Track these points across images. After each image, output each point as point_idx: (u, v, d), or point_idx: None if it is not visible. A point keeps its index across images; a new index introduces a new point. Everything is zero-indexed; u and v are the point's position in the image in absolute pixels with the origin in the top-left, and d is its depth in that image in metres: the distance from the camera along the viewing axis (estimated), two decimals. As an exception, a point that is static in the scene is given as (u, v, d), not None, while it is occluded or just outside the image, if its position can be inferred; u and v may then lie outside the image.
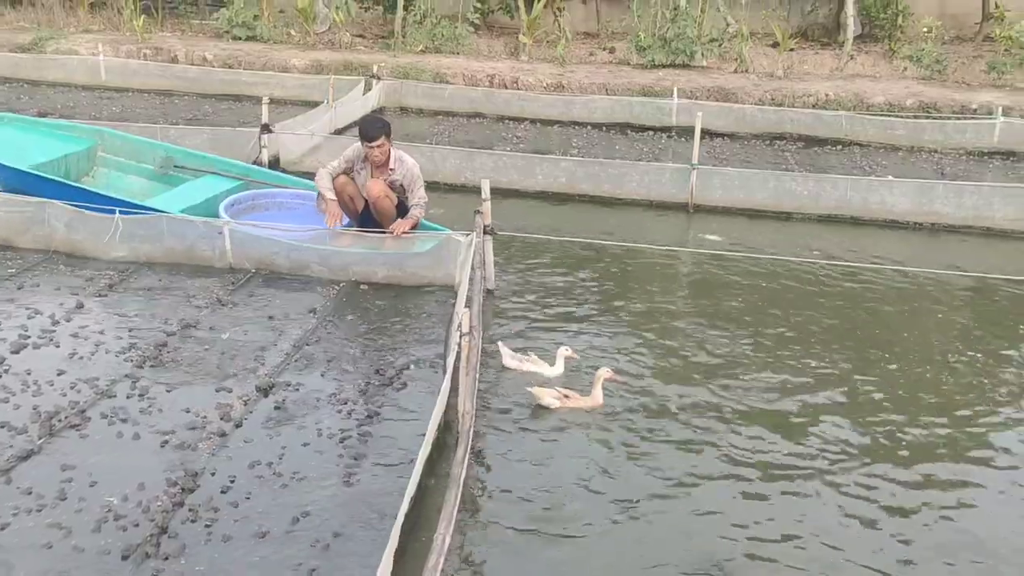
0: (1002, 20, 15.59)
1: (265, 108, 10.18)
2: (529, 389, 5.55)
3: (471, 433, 4.48)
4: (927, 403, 5.75)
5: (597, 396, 5.59)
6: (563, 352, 5.93)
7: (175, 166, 8.88)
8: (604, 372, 5.65)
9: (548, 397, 5.52)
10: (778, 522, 4.58)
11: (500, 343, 6.05)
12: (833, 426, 5.45)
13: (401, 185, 7.42)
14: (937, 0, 17.62)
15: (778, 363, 6.19)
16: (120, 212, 7.32)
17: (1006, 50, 14.65)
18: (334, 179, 7.48)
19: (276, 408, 5.31)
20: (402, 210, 7.48)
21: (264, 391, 5.47)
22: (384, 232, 7.37)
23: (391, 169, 7.40)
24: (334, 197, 7.40)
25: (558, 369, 5.88)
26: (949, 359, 6.34)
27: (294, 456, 4.89)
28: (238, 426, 5.13)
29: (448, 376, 4.87)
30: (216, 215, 7.63)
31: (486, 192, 7.04)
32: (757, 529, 4.51)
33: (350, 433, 5.09)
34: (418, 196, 7.39)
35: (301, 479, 4.69)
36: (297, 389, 5.54)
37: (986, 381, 6.04)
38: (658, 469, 4.96)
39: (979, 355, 6.40)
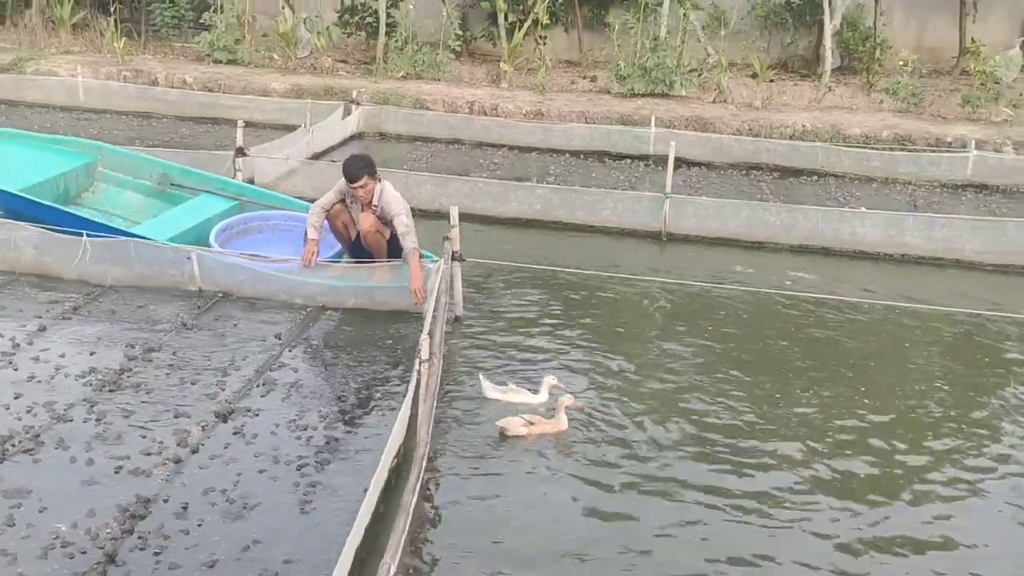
0: (978, 54, 15.75)
1: (240, 131, 10.15)
2: (497, 423, 5.54)
3: (424, 461, 4.44)
4: (901, 439, 5.73)
5: (562, 421, 5.58)
6: (549, 381, 5.88)
7: (171, 184, 8.87)
8: (567, 399, 5.65)
9: (515, 426, 5.50)
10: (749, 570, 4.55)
11: (481, 376, 5.98)
12: (804, 464, 5.41)
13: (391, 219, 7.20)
14: (915, 34, 17.81)
15: (750, 396, 6.17)
16: (88, 235, 7.29)
17: (981, 84, 14.79)
18: (328, 209, 7.34)
19: (234, 434, 5.26)
20: (394, 244, 7.30)
21: (223, 417, 5.43)
22: (373, 262, 7.27)
23: (375, 205, 7.22)
24: (315, 237, 7.22)
25: (542, 396, 5.85)
26: (920, 393, 6.34)
27: (249, 483, 4.85)
28: (194, 452, 5.09)
29: (406, 403, 4.83)
30: (207, 239, 7.59)
31: (454, 218, 7.03)
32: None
33: (307, 460, 5.05)
34: (401, 223, 7.03)
35: (255, 506, 4.65)
36: (257, 415, 5.49)
37: (954, 413, 6.04)
38: (621, 507, 4.92)
39: (949, 388, 6.41)
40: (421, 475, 4.29)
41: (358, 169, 7.11)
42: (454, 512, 4.75)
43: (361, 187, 7.10)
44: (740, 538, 4.69)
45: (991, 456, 5.57)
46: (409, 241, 6.98)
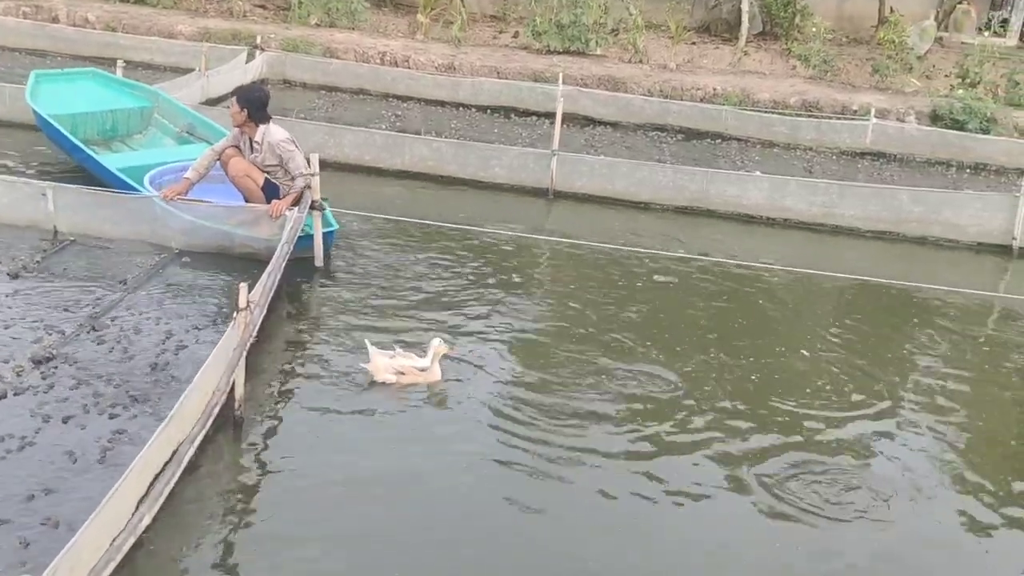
0: (896, 25, 15.82)
1: (119, 71, 9.83)
2: (363, 365, 5.42)
3: (214, 412, 4.30)
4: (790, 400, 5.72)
5: (435, 372, 5.46)
6: (435, 344, 5.50)
7: (188, 132, 9.16)
8: (441, 347, 5.47)
9: (383, 373, 5.37)
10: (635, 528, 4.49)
11: (368, 342, 5.56)
12: (688, 440, 5.24)
13: (278, 163, 7.08)
14: (836, 2, 17.84)
15: (633, 354, 6.09)
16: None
17: (893, 54, 14.87)
18: (220, 153, 7.22)
19: (43, 379, 5.07)
20: (271, 189, 7.13)
21: (39, 362, 5.22)
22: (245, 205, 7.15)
23: (256, 143, 7.11)
24: (189, 176, 7.08)
25: (427, 361, 5.48)
26: (805, 354, 6.34)
27: (53, 431, 4.67)
28: (2, 397, 4.89)
29: (214, 353, 4.68)
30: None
31: (315, 165, 6.86)
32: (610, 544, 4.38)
33: (119, 411, 4.87)
34: (295, 165, 7.02)
35: (53, 455, 4.47)
36: (75, 362, 5.29)
37: (832, 374, 6.06)
38: (462, 481, 4.71)
39: (831, 351, 6.43)
40: (206, 427, 4.14)
41: (235, 90, 7.16)
42: (266, 473, 4.60)
43: (229, 109, 7.25)
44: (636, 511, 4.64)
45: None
46: (300, 180, 6.99)
